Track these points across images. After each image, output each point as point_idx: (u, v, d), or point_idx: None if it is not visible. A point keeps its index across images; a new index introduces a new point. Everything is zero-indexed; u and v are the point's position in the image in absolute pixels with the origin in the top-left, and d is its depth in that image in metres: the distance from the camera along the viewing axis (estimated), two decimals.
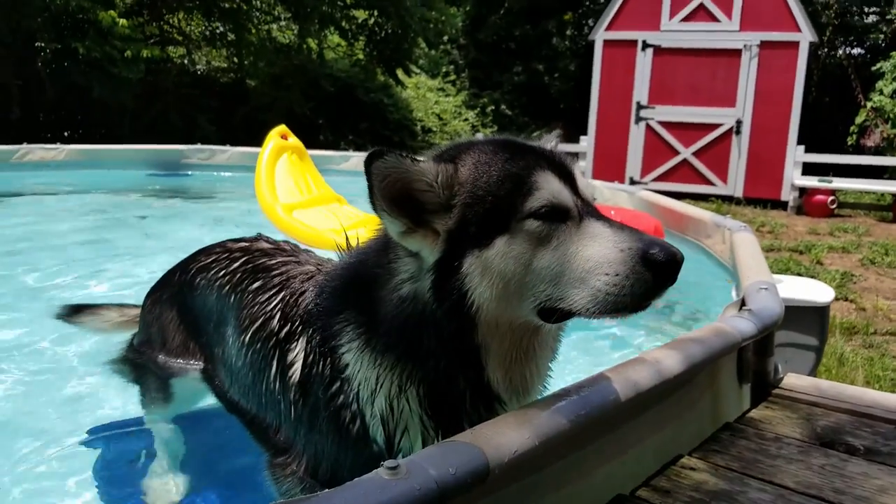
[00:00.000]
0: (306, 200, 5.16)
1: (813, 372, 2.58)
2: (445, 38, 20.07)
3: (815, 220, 10.32)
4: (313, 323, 1.53)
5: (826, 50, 16.30)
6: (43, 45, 11.66)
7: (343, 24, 16.09)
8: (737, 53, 11.50)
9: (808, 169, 11.48)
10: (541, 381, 1.39)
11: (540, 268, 1.19)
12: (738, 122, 11.59)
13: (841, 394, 1.87)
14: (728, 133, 11.69)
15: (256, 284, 1.80)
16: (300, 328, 1.59)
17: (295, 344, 1.59)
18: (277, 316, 1.67)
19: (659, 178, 11.99)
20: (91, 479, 2.08)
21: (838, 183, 10.97)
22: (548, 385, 1.42)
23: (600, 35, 12.33)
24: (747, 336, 1.71)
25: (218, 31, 14.94)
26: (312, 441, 1.52)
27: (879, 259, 7.30)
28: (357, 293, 1.42)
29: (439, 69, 20.20)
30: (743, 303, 1.99)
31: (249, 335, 1.72)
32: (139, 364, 2.15)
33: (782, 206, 11.32)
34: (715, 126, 11.74)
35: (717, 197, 11.62)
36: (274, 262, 1.87)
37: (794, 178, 11.21)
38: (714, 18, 11.57)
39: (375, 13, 16.17)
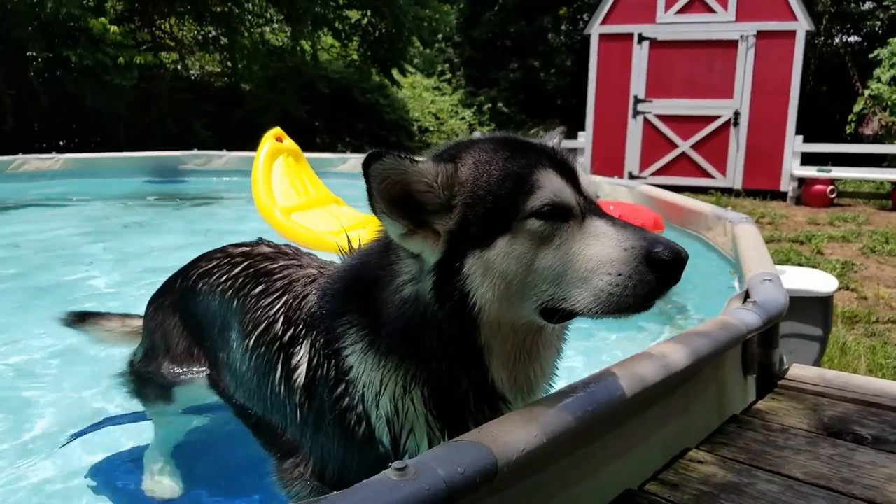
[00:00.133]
0: (304, 203, 5.14)
1: (817, 362, 2.58)
2: (440, 36, 20.04)
3: (815, 209, 10.32)
4: (316, 326, 1.52)
5: (823, 38, 16.29)
6: (34, 54, 11.61)
7: (336, 24, 16.06)
8: (733, 44, 11.48)
9: (807, 159, 11.47)
10: (546, 380, 1.39)
11: (542, 268, 1.18)
12: (736, 114, 11.58)
13: (847, 383, 1.87)
14: (726, 125, 11.67)
15: (259, 289, 1.80)
16: (304, 331, 1.59)
17: (299, 347, 1.59)
18: (281, 320, 1.67)
19: (658, 172, 11.97)
20: (94, 477, 2.09)
21: (837, 172, 10.96)
22: (553, 384, 1.42)
23: (596, 29, 12.32)
24: (753, 328, 1.71)
25: (210, 36, 14.91)
26: (318, 443, 1.51)
27: (880, 247, 7.30)
28: (359, 295, 1.42)
29: (435, 68, 20.18)
30: (747, 295, 1.99)
31: (253, 339, 1.72)
32: (142, 372, 2.15)
33: (781, 196, 11.31)
34: (713, 118, 11.72)
35: (717, 189, 11.61)
36: (276, 265, 1.86)
37: (792, 168, 11.19)
38: (710, 10, 11.55)
39: (369, 13, 16.13)
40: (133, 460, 2.18)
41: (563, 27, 20.83)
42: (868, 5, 17.22)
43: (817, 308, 2.49)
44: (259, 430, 1.77)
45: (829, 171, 10.88)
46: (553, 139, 1.43)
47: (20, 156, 7.71)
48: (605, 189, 5.85)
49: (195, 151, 8.84)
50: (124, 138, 12.22)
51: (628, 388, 1.32)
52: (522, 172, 1.22)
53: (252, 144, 5.86)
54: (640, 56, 12.01)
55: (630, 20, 11.97)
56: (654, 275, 1.11)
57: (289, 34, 15.52)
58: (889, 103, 12.96)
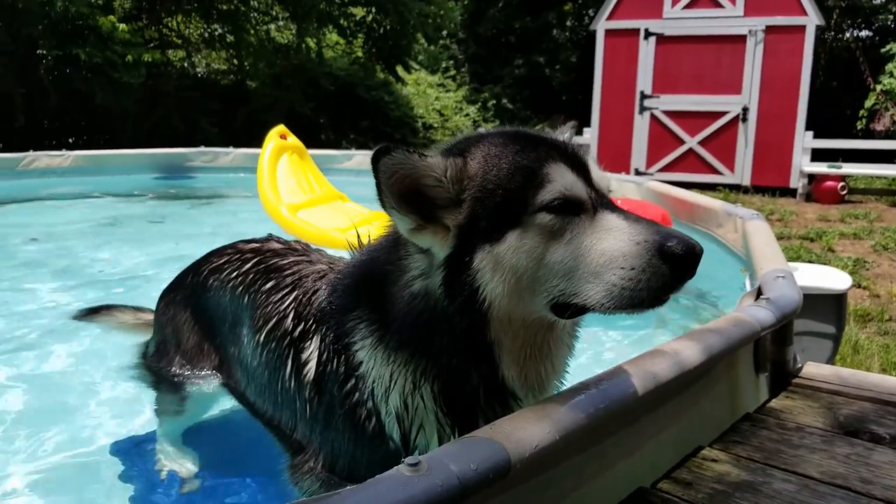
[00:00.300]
0: (310, 200, 5.14)
1: (831, 360, 2.55)
2: (444, 32, 19.98)
3: (825, 206, 10.23)
4: (326, 321, 1.52)
5: (833, 33, 16.13)
6: (44, 52, 11.68)
7: (341, 21, 16.05)
8: (741, 39, 11.39)
9: (817, 155, 11.37)
10: (557, 377, 1.37)
11: (553, 262, 1.16)
12: (745, 110, 11.49)
13: (863, 382, 1.84)
14: (734, 121, 11.59)
15: (269, 284, 1.80)
16: (314, 326, 1.58)
17: (309, 342, 1.59)
18: (291, 315, 1.67)
19: (664, 169, 11.91)
20: (107, 464, 2.11)
21: (848, 168, 10.86)
22: (565, 381, 1.41)
23: (601, 25, 12.25)
24: (766, 325, 1.69)
25: (217, 33, 14.94)
26: (329, 439, 1.51)
27: (892, 245, 7.23)
28: (369, 290, 1.41)
29: (439, 65, 20.14)
30: (759, 292, 1.96)
31: (264, 335, 1.72)
32: (153, 367, 2.16)
33: (791, 193, 11.22)
34: (721, 114, 11.64)
35: (725, 186, 11.54)
36: (286, 261, 1.86)
37: (802, 164, 11.10)
38: (718, 4, 11.46)
39: (373, 10, 16.12)
40: (144, 452, 2.18)
41: (568, 23, 20.73)
42: None
43: (831, 305, 2.46)
44: (270, 424, 1.77)
45: (839, 167, 10.79)
46: (564, 133, 1.42)
47: (31, 153, 7.76)
48: (613, 185, 5.79)
49: (202, 148, 8.87)
50: (132, 135, 12.28)
51: (641, 385, 1.31)
52: (533, 166, 1.20)
53: (258, 142, 5.87)
54: (646, 51, 11.94)
55: (636, 15, 11.89)
56: (668, 269, 1.09)
57: (294, 32, 15.54)
58: None
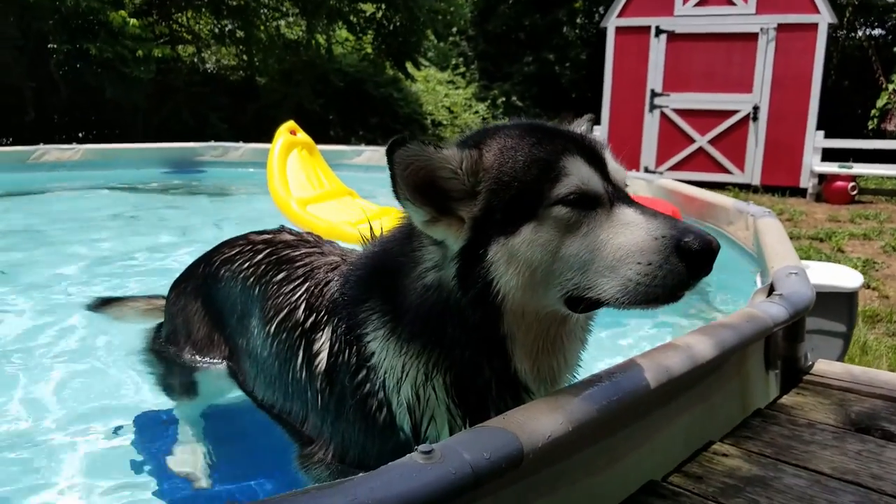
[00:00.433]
0: (319, 195, 5.17)
1: (841, 359, 2.54)
2: (454, 29, 19.95)
3: (835, 206, 10.16)
4: (339, 312, 1.53)
5: (845, 32, 15.98)
6: (55, 46, 11.74)
7: (351, 17, 16.07)
8: (753, 37, 11.30)
9: (828, 154, 11.28)
10: (569, 371, 1.37)
11: (568, 256, 1.16)
12: (756, 108, 11.41)
13: (874, 379, 1.84)
14: (745, 119, 11.51)
15: (281, 275, 1.81)
16: (325, 318, 1.59)
17: (320, 333, 1.59)
18: (303, 306, 1.67)
19: (674, 168, 11.84)
20: (118, 451, 2.13)
21: (859, 168, 10.77)
22: (577, 375, 1.41)
23: (612, 22, 12.19)
24: (779, 321, 1.68)
25: (227, 29, 14.98)
26: (339, 429, 1.52)
27: None
28: (382, 282, 1.42)
29: (448, 61, 20.12)
30: (772, 288, 1.96)
31: (275, 326, 1.72)
32: (164, 356, 2.18)
33: (801, 193, 11.14)
34: (731, 113, 11.55)
35: (734, 185, 11.46)
36: (298, 253, 1.87)
37: (813, 164, 11.01)
38: (729, 2, 11.36)
39: (383, 6, 16.13)
40: (152, 438, 2.21)
41: (578, 20, 20.64)
42: None
43: (842, 304, 2.45)
44: (280, 415, 1.78)
45: (850, 167, 10.70)
46: (581, 126, 1.41)
47: (41, 146, 7.82)
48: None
49: (212, 143, 8.90)
50: (142, 130, 12.35)
51: (654, 378, 1.31)
52: (549, 159, 1.20)
53: (267, 137, 5.90)
54: (657, 49, 11.87)
55: (647, 13, 11.82)
56: (685, 265, 1.08)
57: (304, 28, 15.56)
58: None
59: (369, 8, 16.39)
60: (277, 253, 1.90)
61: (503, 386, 1.30)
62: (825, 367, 1.96)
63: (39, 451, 2.13)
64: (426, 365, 1.32)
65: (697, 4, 11.56)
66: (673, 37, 11.76)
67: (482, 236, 1.21)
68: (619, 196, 1.21)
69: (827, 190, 10.72)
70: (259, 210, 5.92)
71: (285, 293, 1.75)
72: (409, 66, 17.40)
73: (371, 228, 1.65)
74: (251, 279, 1.89)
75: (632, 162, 11.88)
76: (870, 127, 13.71)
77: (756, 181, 11.52)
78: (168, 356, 2.14)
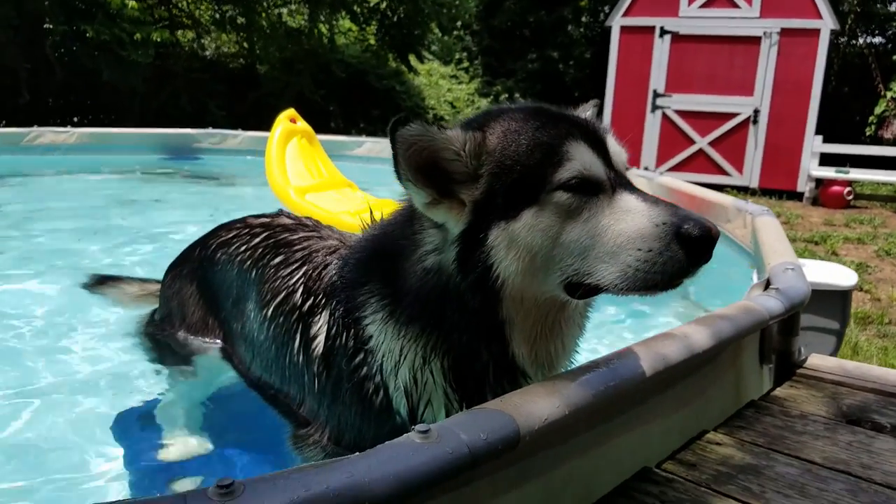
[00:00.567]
0: (318, 184, 5.14)
1: (833, 356, 2.55)
2: (459, 23, 19.89)
3: (831, 211, 10.20)
4: (337, 295, 1.52)
5: (847, 38, 16.02)
6: (51, 27, 11.58)
7: (354, 7, 15.98)
8: (756, 41, 11.31)
9: (825, 159, 11.32)
10: (567, 357, 1.38)
11: (569, 241, 1.16)
12: (756, 112, 11.43)
13: (866, 374, 1.86)
14: (745, 122, 11.53)
15: (278, 259, 1.80)
16: (323, 301, 1.59)
17: (318, 317, 1.59)
18: (300, 290, 1.67)
19: (674, 168, 11.86)
20: (108, 432, 2.13)
21: (855, 174, 10.82)
22: (574, 361, 1.41)
23: (617, 21, 12.18)
24: (775, 314, 1.70)
25: (227, 15, 14.88)
26: (336, 413, 1.52)
27: (895, 250, 7.22)
28: (381, 265, 1.41)
29: (452, 56, 20.06)
30: (768, 283, 1.97)
31: (272, 309, 1.72)
32: (159, 339, 2.17)
33: (798, 196, 11.19)
34: (732, 115, 11.58)
35: (733, 188, 11.49)
36: (296, 237, 1.86)
37: (810, 168, 11.05)
38: (734, 4, 11.37)
39: None
40: (148, 419, 2.21)
41: (583, 18, 20.60)
42: (895, 6, 16.88)
43: (836, 301, 2.47)
44: (276, 398, 1.78)
45: (847, 172, 10.75)
46: (586, 111, 1.41)
47: (35, 128, 7.75)
48: None
49: (210, 130, 8.85)
50: (139, 115, 12.25)
51: (650, 365, 1.32)
52: (552, 143, 1.19)
53: (266, 126, 5.87)
54: (661, 50, 11.87)
55: (652, 13, 11.81)
56: (685, 252, 1.08)
57: (306, 16, 15.46)
58: None
59: None
60: (275, 236, 1.90)
61: (501, 370, 1.30)
62: (818, 361, 1.98)
63: (26, 438, 2.12)
64: (424, 348, 1.32)
65: (702, 6, 11.56)
66: (677, 38, 11.76)
67: (483, 220, 1.20)
68: (621, 182, 1.20)
69: (823, 194, 10.77)
70: (256, 198, 5.91)
71: (283, 276, 1.74)
72: (413, 59, 17.33)
73: (371, 213, 1.65)
74: (248, 262, 1.88)
75: (632, 161, 11.62)
76: (867, 133, 13.78)
77: (754, 184, 11.56)
78: (162, 340, 2.13)
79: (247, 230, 2.00)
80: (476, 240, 1.21)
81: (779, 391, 1.77)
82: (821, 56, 11.02)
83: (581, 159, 1.18)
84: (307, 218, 2.06)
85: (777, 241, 2.53)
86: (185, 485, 1.87)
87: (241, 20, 14.64)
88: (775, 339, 1.90)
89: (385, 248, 1.43)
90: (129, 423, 2.22)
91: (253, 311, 1.82)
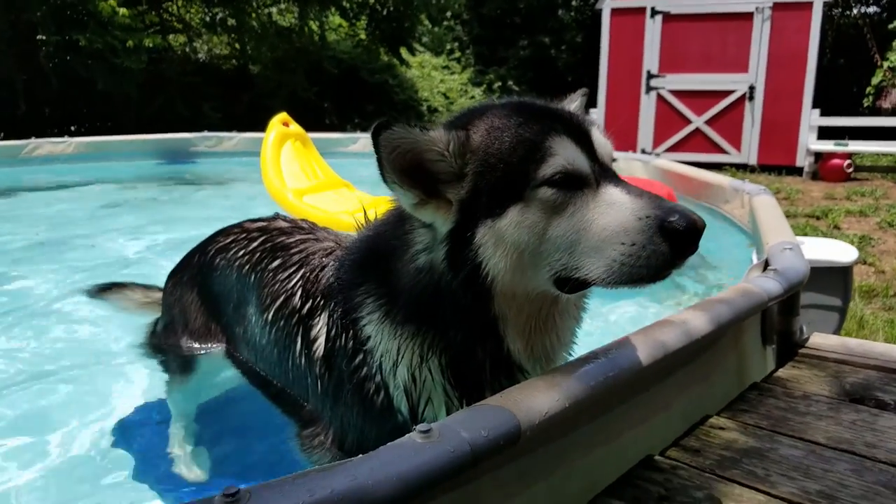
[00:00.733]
0: (315, 185, 5.15)
1: (836, 333, 2.55)
2: (449, 13, 19.78)
3: (832, 184, 10.16)
4: (335, 296, 1.53)
5: (840, 10, 15.89)
6: (44, 38, 11.59)
7: (344, 3, 15.90)
8: (748, 17, 11.23)
9: (824, 133, 11.26)
10: (564, 349, 1.37)
11: (555, 237, 1.16)
12: (751, 88, 11.37)
13: (869, 351, 1.85)
14: (741, 99, 11.47)
15: (276, 263, 1.81)
16: (322, 303, 1.59)
17: (317, 319, 1.59)
18: (299, 293, 1.67)
19: (671, 149, 11.82)
20: (117, 452, 2.13)
21: (854, 146, 10.76)
22: (572, 353, 1.41)
23: (607, 4, 12.09)
24: (774, 296, 1.69)
25: (218, 17, 14.82)
26: (338, 413, 1.53)
27: None
28: (376, 265, 1.42)
29: (443, 46, 19.97)
30: (767, 264, 1.96)
31: (272, 313, 1.73)
32: (163, 347, 2.18)
33: (797, 171, 11.14)
34: (727, 93, 11.51)
35: (731, 165, 11.46)
36: (292, 240, 1.87)
37: (809, 142, 11.00)
38: None
39: None
40: (153, 427, 2.22)
41: (573, 2, 20.47)
42: None
43: (837, 278, 2.46)
44: (279, 401, 1.79)
45: (846, 145, 10.69)
46: (573, 102, 1.40)
47: (33, 140, 7.78)
48: (620, 164, 5.79)
49: (205, 133, 8.85)
50: (135, 122, 12.24)
51: (650, 354, 1.32)
52: (535, 139, 1.19)
53: (261, 126, 5.86)
54: (652, 30, 11.78)
55: None
56: (669, 245, 1.08)
57: (296, 14, 15.40)
58: None
59: None
60: (272, 240, 1.90)
61: (497, 366, 1.30)
62: (821, 340, 1.98)
63: (30, 447, 2.14)
64: (421, 347, 1.33)
65: None
66: (668, 17, 11.68)
67: (470, 218, 1.20)
68: (605, 175, 1.19)
69: (823, 168, 10.72)
70: (254, 199, 5.91)
71: (281, 280, 1.75)
72: (404, 52, 17.26)
73: (366, 213, 1.65)
74: (247, 267, 1.89)
75: (629, 144, 11.84)
76: (865, 104, 13.71)
77: (753, 161, 11.51)
78: (165, 347, 2.14)
79: (244, 235, 2.01)
80: (464, 238, 1.21)
81: (781, 372, 1.77)
82: (814, 28, 10.94)
83: (564, 154, 1.17)
84: (303, 220, 2.06)
85: (774, 221, 2.52)
86: (190, 494, 1.88)
87: (231, 22, 14.60)
88: (776, 320, 1.90)
89: (379, 249, 1.43)
90: (134, 431, 2.23)
91: (254, 315, 1.83)
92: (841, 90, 14.56)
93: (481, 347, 1.28)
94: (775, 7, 11.05)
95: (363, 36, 17.25)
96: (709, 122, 11.69)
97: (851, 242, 6.10)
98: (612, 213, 1.13)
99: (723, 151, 11.67)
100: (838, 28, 15.78)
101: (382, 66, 17.01)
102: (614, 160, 1.28)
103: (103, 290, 2.47)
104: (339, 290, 1.51)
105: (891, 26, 13.68)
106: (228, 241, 2.02)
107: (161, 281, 2.29)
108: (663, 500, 1.21)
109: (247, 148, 8.29)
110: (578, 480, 1.28)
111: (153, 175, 8.05)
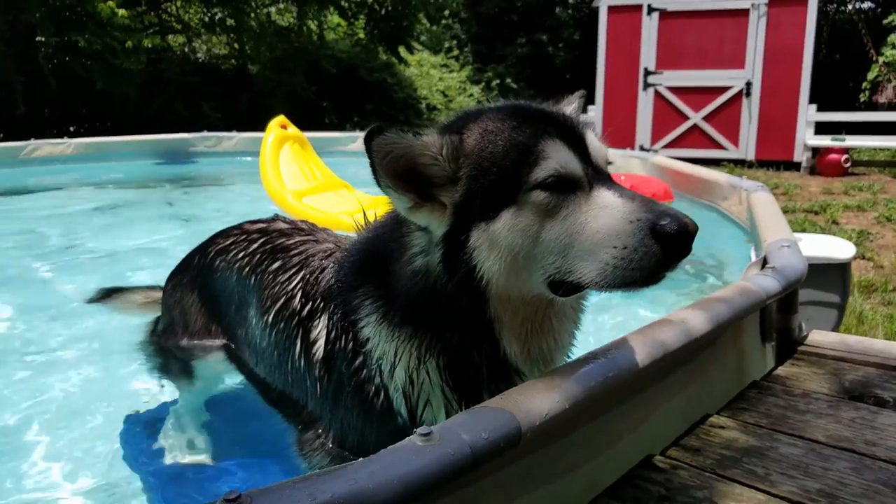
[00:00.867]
0: (314, 187, 5.16)
1: (835, 329, 2.56)
2: (446, 12, 19.75)
3: (829, 179, 10.17)
4: (334, 299, 1.53)
5: (835, 5, 15.90)
6: (43, 39, 11.58)
7: (342, 2, 15.88)
8: (744, 13, 11.24)
9: (821, 128, 11.28)
10: (562, 352, 1.37)
11: (548, 240, 1.16)
12: (748, 84, 11.38)
13: (868, 348, 1.86)
14: (738, 95, 11.48)
15: (276, 265, 1.81)
16: (321, 305, 1.59)
17: (317, 321, 1.59)
18: (299, 295, 1.67)
19: (669, 145, 11.83)
20: (118, 456, 2.13)
21: (851, 141, 10.77)
22: (571, 355, 1.41)
23: (604, 1, 12.09)
24: (772, 294, 1.70)
25: (216, 17, 14.80)
26: (338, 416, 1.53)
27: (895, 216, 7.21)
28: (374, 267, 1.42)
29: (442, 45, 19.93)
30: (765, 261, 1.97)
31: (272, 315, 1.73)
32: (163, 348, 2.18)
33: (795, 167, 11.16)
34: (724, 89, 11.53)
35: (729, 161, 11.47)
36: (292, 241, 1.87)
37: (806, 138, 11.02)
38: None
39: None
40: (153, 430, 2.22)
41: (570, 0, 20.46)
42: None
43: (835, 275, 2.47)
44: (280, 403, 1.79)
45: (843, 140, 10.70)
46: (571, 104, 1.40)
47: (32, 141, 7.77)
48: (618, 161, 5.79)
49: (205, 133, 8.84)
50: (134, 122, 12.23)
51: (649, 353, 1.32)
52: (528, 143, 1.19)
53: (261, 126, 5.87)
54: (649, 27, 11.79)
55: None
56: (661, 248, 1.07)
57: (295, 14, 15.38)
58: None
59: None
60: (272, 242, 1.90)
61: (494, 369, 1.30)
62: (819, 337, 1.98)
63: (32, 447, 2.14)
64: (418, 349, 1.33)
65: None
66: (665, 14, 11.68)
67: (464, 222, 1.21)
68: (598, 178, 1.19)
69: (820, 163, 10.73)
70: (254, 199, 5.91)
71: (281, 282, 1.75)
72: (402, 51, 17.24)
73: (365, 215, 1.65)
74: (247, 269, 1.89)
75: (627, 140, 11.85)
76: (861, 99, 13.71)
77: (750, 156, 11.53)
78: (165, 348, 2.14)
79: (244, 236, 2.00)
80: (459, 241, 1.21)
81: (780, 370, 1.78)
82: (810, 24, 10.95)
83: (557, 158, 1.17)
84: (303, 221, 2.07)
85: (772, 218, 2.52)
86: (192, 498, 1.88)
87: (230, 22, 14.58)
88: (775, 318, 1.91)
89: (377, 251, 1.43)
90: (135, 435, 2.23)
91: (254, 317, 1.83)
92: (837, 86, 14.57)
93: (477, 350, 1.28)
94: (771, 3, 11.07)
95: (362, 35, 17.23)
96: (706, 119, 11.70)
97: (850, 237, 6.11)
98: (604, 216, 1.13)
99: (721, 147, 11.68)
100: (833, 24, 15.78)
101: (381, 65, 16.98)
102: (610, 163, 1.28)
103: (105, 296, 2.47)
104: (339, 292, 1.51)
105: (885, 21, 13.68)
106: (228, 242, 2.02)
107: (161, 281, 2.29)
108: (664, 500, 1.22)
109: (246, 148, 8.29)
110: (579, 481, 1.28)
111: (152, 175, 8.05)
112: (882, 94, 13.87)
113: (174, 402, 2.26)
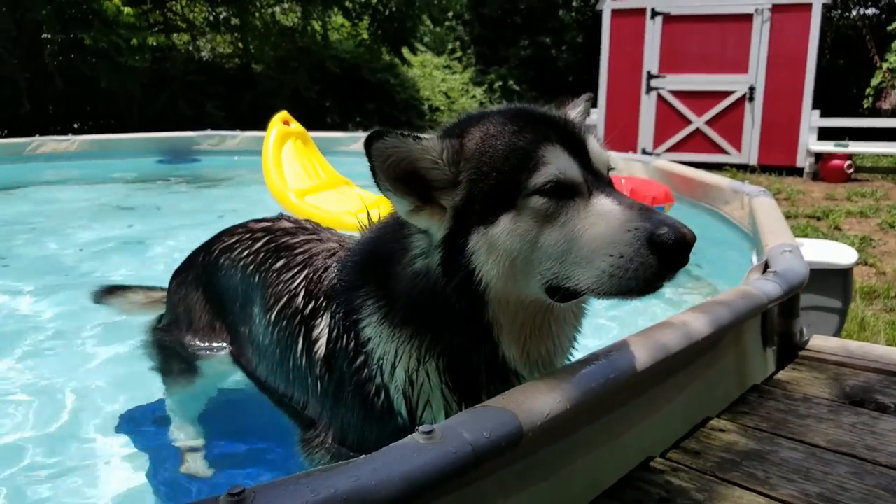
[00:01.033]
0: (317, 185, 5.16)
1: (837, 335, 2.56)
2: (450, 14, 19.78)
3: (832, 185, 10.16)
4: (336, 298, 1.54)
5: (839, 11, 15.89)
6: (49, 37, 11.62)
7: (346, 3, 15.92)
8: (748, 18, 11.24)
9: (824, 134, 11.27)
10: (562, 356, 1.37)
11: (547, 246, 1.16)
12: (752, 89, 11.37)
13: (869, 353, 1.86)
14: (741, 100, 11.48)
15: (280, 263, 1.82)
16: (324, 304, 1.60)
17: (319, 320, 1.60)
18: (302, 293, 1.68)
19: (672, 149, 11.83)
20: (120, 451, 2.14)
21: (854, 147, 10.77)
22: (571, 358, 1.41)
23: (608, 4, 12.10)
24: (773, 298, 1.70)
25: (221, 16, 14.84)
26: (339, 415, 1.54)
27: None
28: (376, 268, 1.43)
29: (445, 46, 19.96)
30: (766, 266, 1.97)
31: (275, 313, 1.74)
32: (166, 344, 2.19)
33: (798, 172, 11.14)
34: (727, 93, 11.52)
35: (732, 166, 11.47)
36: (296, 240, 1.88)
37: (809, 143, 11.01)
38: None
39: None
40: (156, 426, 2.23)
41: (573, 3, 20.49)
42: None
43: (837, 280, 2.47)
44: (282, 401, 1.80)
45: (846, 145, 10.69)
46: (577, 107, 1.41)
47: (37, 137, 7.78)
48: (620, 164, 5.79)
49: (208, 132, 8.85)
50: (138, 120, 12.27)
51: (650, 355, 1.33)
52: (528, 148, 1.19)
53: (264, 125, 5.87)
54: (653, 31, 11.79)
55: None
56: (657, 258, 1.07)
57: (299, 14, 15.42)
58: None
59: None
60: (276, 240, 1.91)
61: (493, 371, 1.30)
62: (821, 342, 1.99)
63: (35, 445, 2.14)
64: (418, 350, 1.33)
65: None
66: (669, 18, 11.69)
67: (464, 225, 1.21)
68: (598, 184, 1.19)
69: (823, 169, 10.72)
70: (257, 197, 5.91)
71: (285, 281, 1.76)
72: (406, 52, 17.27)
73: (369, 215, 1.66)
74: (251, 267, 1.90)
75: (629, 144, 11.85)
76: (865, 105, 13.71)
77: (753, 161, 11.52)
78: (169, 345, 2.15)
79: (248, 235, 2.02)
80: (458, 245, 1.22)
81: (781, 374, 1.78)
82: (814, 30, 10.95)
83: (556, 163, 1.17)
84: (307, 221, 2.08)
85: (774, 223, 2.53)
86: (195, 493, 1.89)
87: (235, 21, 14.61)
88: (776, 322, 1.91)
89: (379, 251, 1.44)
90: (138, 431, 2.24)
91: (258, 315, 1.84)
92: (841, 91, 14.57)
93: (476, 353, 1.28)
94: (774, 8, 11.07)
95: (365, 36, 17.26)
96: (709, 123, 11.70)
97: (852, 243, 6.10)
98: (602, 223, 1.13)
99: (723, 152, 11.67)
100: (837, 29, 15.78)
101: (384, 66, 17.01)
102: (611, 168, 1.28)
103: (106, 294, 2.49)
104: (341, 291, 1.52)
105: (889, 28, 13.68)
106: (233, 240, 2.03)
107: (164, 280, 2.30)
108: (663, 503, 1.22)
109: (250, 146, 8.29)
110: (580, 481, 1.29)
111: (156, 173, 8.06)
112: (886, 100, 13.88)
113: (177, 398, 2.27)
